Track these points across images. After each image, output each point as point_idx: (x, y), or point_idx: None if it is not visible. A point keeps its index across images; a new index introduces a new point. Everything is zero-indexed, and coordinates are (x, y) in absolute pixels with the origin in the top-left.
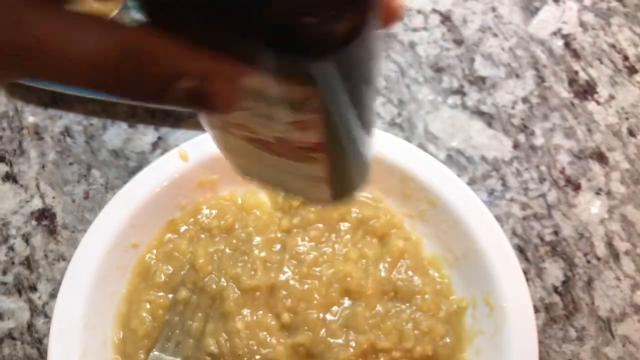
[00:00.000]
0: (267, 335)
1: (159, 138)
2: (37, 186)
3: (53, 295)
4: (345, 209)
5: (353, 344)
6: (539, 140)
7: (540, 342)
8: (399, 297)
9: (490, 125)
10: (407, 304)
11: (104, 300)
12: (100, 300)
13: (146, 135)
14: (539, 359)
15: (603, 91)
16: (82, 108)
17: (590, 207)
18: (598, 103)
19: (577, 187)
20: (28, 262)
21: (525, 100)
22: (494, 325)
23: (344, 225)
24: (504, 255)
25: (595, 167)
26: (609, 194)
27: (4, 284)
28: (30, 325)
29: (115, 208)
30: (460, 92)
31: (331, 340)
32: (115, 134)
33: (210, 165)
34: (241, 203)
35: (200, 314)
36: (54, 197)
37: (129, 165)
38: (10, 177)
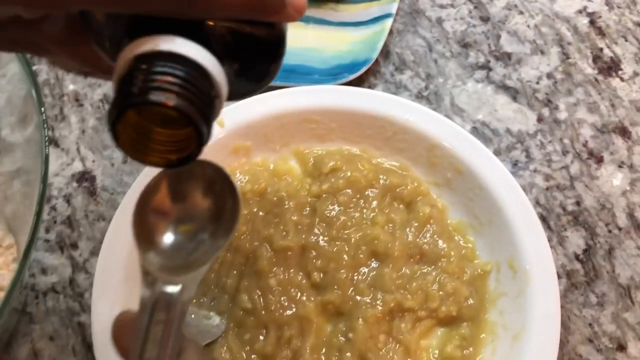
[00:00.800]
0: (298, 293)
1: None
2: (78, 150)
3: (93, 252)
4: (373, 176)
5: (380, 302)
6: (562, 115)
7: (562, 307)
8: (425, 260)
9: (515, 99)
10: (433, 267)
11: None
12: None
13: None
14: (560, 323)
15: (627, 68)
16: None
17: (612, 179)
18: (622, 79)
19: (599, 160)
20: (69, 221)
21: (549, 75)
22: (518, 287)
23: (372, 192)
24: (528, 220)
25: (618, 141)
26: (631, 167)
27: (47, 241)
28: (71, 280)
29: (155, 169)
30: (486, 67)
31: (359, 299)
32: None
33: (245, 132)
34: (273, 169)
35: (234, 272)
36: (93, 161)
37: None
38: (52, 141)
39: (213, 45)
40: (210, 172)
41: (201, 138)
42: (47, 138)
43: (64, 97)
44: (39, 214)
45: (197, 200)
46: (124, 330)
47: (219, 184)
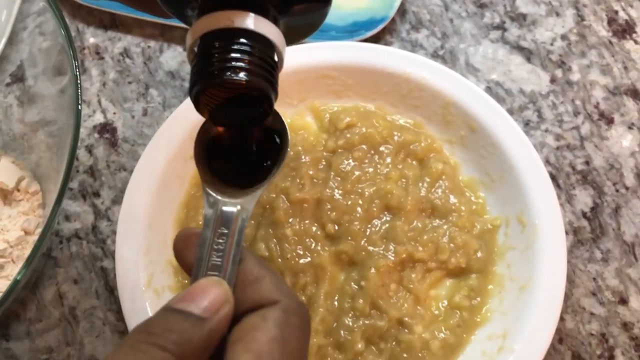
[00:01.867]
0: (313, 243)
1: None
2: (99, 102)
3: (115, 201)
4: (387, 133)
5: (392, 253)
6: (575, 76)
7: (568, 262)
8: (436, 214)
9: (529, 60)
10: (443, 221)
11: (165, 205)
12: (161, 205)
13: None
14: (566, 277)
15: None
16: (140, 31)
17: (622, 140)
18: (636, 42)
19: (610, 121)
20: (92, 171)
21: (564, 37)
22: (526, 241)
23: (386, 148)
24: (538, 177)
25: (629, 103)
26: None
27: (70, 189)
28: (94, 227)
29: (176, 120)
30: (501, 27)
31: (372, 249)
32: (171, 56)
33: None
34: (289, 124)
35: (252, 222)
36: (114, 113)
37: (184, 86)
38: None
39: (271, 11)
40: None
41: (271, 103)
42: (80, 92)
43: (84, 50)
44: (69, 165)
45: (251, 132)
46: (187, 243)
47: (270, 118)
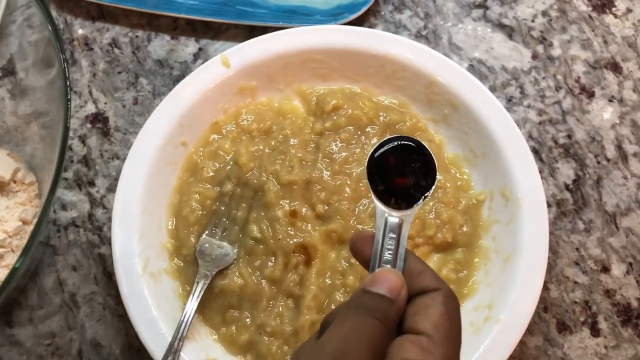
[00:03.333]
0: (304, 223)
1: (200, 49)
2: (90, 93)
3: (109, 189)
4: (373, 114)
5: None
6: (556, 52)
7: (551, 233)
8: None
9: (510, 37)
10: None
11: (158, 191)
12: (154, 191)
13: (188, 46)
14: (549, 248)
15: (621, 4)
16: (127, 21)
17: (603, 113)
18: (615, 16)
19: (591, 95)
20: (86, 161)
21: (544, 13)
22: (510, 214)
23: (373, 129)
24: (520, 151)
25: (610, 76)
26: (621, 101)
27: (66, 179)
28: (90, 215)
29: (166, 108)
30: (483, 6)
31: (361, 228)
32: (159, 45)
33: (250, 72)
34: (278, 108)
35: (244, 205)
36: (105, 103)
37: (173, 74)
38: (71, 89)
39: None
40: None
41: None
42: (69, 83)
43: (73, 41)
44: (62, 155)
45: (410, 161)
46: (363, 242)
47: (422, 151)
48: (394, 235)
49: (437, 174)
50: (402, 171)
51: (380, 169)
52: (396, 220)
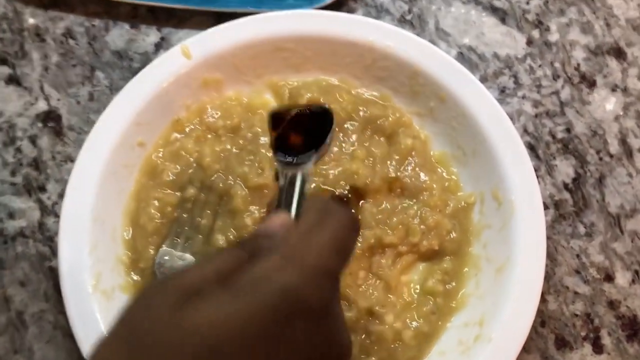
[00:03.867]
0: None
1: (162, 39)
2: (41, 88)
3: (62, 195)
4: (352, 108)
5: (360, 239)
6: (554, 36)
7: (549, 238)
8: (406, 194)
9: (503, 21)
10: (414, 201)
11: (112, 197)
12: (108, 197)
13: (149, 35)
14: (547, 255)
15: None
16: (83, 9)
17: (605, 103)
18: None
19: (592, 84)
20: (36, 164)
21: None
22: (502, 219)
23: (352, 125)
24: (513, 149)
25: (612, 63)
26: (625, 90)
27: (14, 184)
28: (41, 224)
29: (119, 105)
30: None
31: None
32: (118, 35)
33: (215, 64)
34: (247, 103)
35: (208, 211)
36: (58, 99)
37: (132, 66)
38: (13, 80)
39: None
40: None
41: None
42: None
43: (24, 32)
44: None
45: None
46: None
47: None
48: (291, 188)
49: (333, 134)
50: (297, 131)
51: (282, 132)
52: (289, 173)
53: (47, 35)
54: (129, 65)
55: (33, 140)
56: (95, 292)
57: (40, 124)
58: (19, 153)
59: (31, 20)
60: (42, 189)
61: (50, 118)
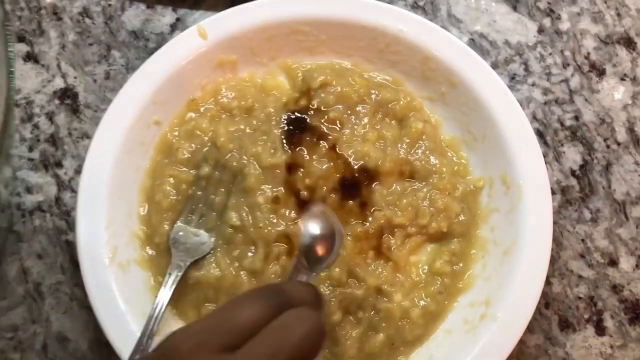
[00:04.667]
0: (287, 211)
1: (178, 19)
2: (59, 66)
3: (78, 171)
4: (364, 91)
5: (370, 219)
6: (564, 25)
7: (555, 223)
8: (416, 177)
9: (515, 8)
10: (424, 183)
11: (129, 174)
12: (124, 174)
13: (164, 16)
14: (552, 239)
15: None
16: None
17: (614, 92)
18: None
19: (601, 73)
20: (53, 140)
21: None
22: (510, 203)
23: (363, 108)
24: (523, 135)
25: (622, 52)
26: (634, 79)
27: (31, 160)
28: (57, 199)
29: (136, 84)
30: None
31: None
32: (134, 14)
33: (230, 45)
34: (260, 84)
35: (222, 190)
36: (75, 77)
37: (148, 46)
38: (31, 57)
39: None
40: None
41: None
42: (6, 46)
43: (41, 10)
44: (3, 129)
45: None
46: None
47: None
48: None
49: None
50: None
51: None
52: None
53: (64, 14)
54: (144, 45)
55: (50, 117)
56: (111, 265)
57: (57, 101)
58: (36, 129)
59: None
60: (59, 164)
61: (67, 95)
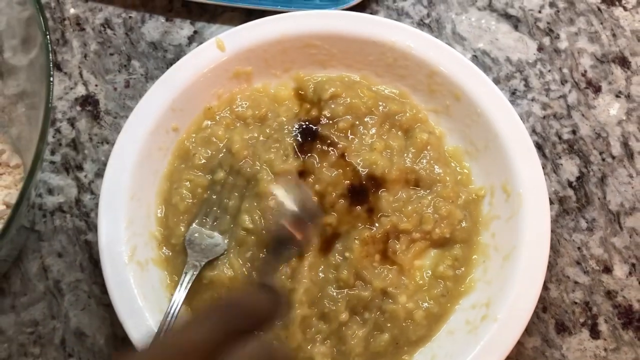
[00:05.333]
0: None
1: (195, 32)
2: (81, 74)
3: (98, 174)
4: (372, 103)
5: (377, 224)
6: (563, 44)
7: (552, 231)
8: (421, 185)
9: (516, 28)
10: (428, 191)
11: (147, 177)
12: (144, 177)
13: (183, 29)
14: (550, 246)
15: None
16: (121, 1)
17: (609, 108)
18: (625, 9)
19: (597, 90)
20: (74, 144)
21: (552, 4)
22: (510, 210)
23: (371, 118)
24: (523, 145)
25: (617, 71)
26: (628, 97)
27: (53, 162)
28: (77, 201)
29: (157, 92)
30: None
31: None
32: (153, 27)
33: (246, 57)
34: (273, 95)
35: (236, 194)
36: (96, 85)
37: (166, 57)
38: (55, 65)
39: None
40: None
41: None
42: (52, 62)
43: (65, 20)
44: (43, 137)
45: None
46: None
47: None
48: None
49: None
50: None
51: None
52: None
53: (87, 24)
54: (163, 55)
55: (72, 122)
56: (130, 263)
57: (78, 108)
58: (58, 134)
59: (72, 10)
60: (80, 167)
61: (88, 102)
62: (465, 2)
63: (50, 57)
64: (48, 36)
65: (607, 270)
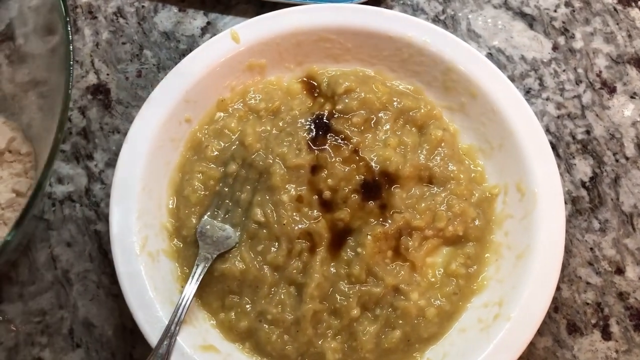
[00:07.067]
0: (310, 209)
1: (208, 23)
2: (92, 63)
3: (108, 164)
4: (387, 99)
5: (389, 220)
6: (578, 44)
7: (565, 232)
8: (434, 182)
9: (531, 26)
10: (442, 188)
11: (159, 168)
12: (155, 168)
13: (196, 19)
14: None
15: None
16: None
17: (624, 109)
18: None
19: (612, 90)
20: (85, 133)
21: (568, 4)
22: (524, 209)
23: (385, 114)
24: (538, 144)
25: (632, 72)
26: None
27: (63, 151)
28: (87, 190)
29: (171, 82)
30: None
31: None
32: (166, 16)
33: (260, 49)
34: (287, 88)
35: (248, 187)
36: (108, 74)
37: (179, 47)
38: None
39: None
40: None
41: None
42: (72, 52)
43: (77, 9)
44: (61, 126)
45: None
46: None
47: None
48: None
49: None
50: None
51: None
52: None
53: (99, 13)
54: (175, 46)
55: (83, 111)
56: (141, 254)
57: (90, 96)
58: (69, 122)
59: None
60: (90, 157)
61: (99, 91)
62: (480, 0)
63: (71, 47)
64: (69, 30)
65: (620, 271)
